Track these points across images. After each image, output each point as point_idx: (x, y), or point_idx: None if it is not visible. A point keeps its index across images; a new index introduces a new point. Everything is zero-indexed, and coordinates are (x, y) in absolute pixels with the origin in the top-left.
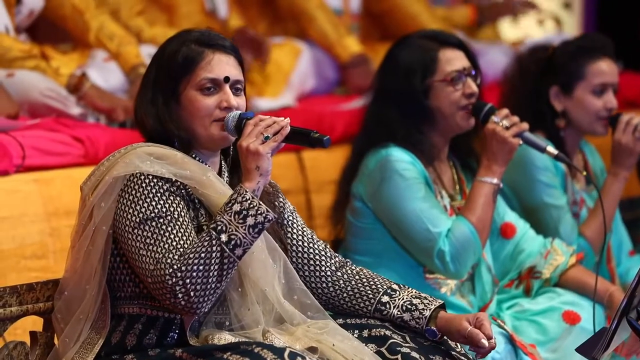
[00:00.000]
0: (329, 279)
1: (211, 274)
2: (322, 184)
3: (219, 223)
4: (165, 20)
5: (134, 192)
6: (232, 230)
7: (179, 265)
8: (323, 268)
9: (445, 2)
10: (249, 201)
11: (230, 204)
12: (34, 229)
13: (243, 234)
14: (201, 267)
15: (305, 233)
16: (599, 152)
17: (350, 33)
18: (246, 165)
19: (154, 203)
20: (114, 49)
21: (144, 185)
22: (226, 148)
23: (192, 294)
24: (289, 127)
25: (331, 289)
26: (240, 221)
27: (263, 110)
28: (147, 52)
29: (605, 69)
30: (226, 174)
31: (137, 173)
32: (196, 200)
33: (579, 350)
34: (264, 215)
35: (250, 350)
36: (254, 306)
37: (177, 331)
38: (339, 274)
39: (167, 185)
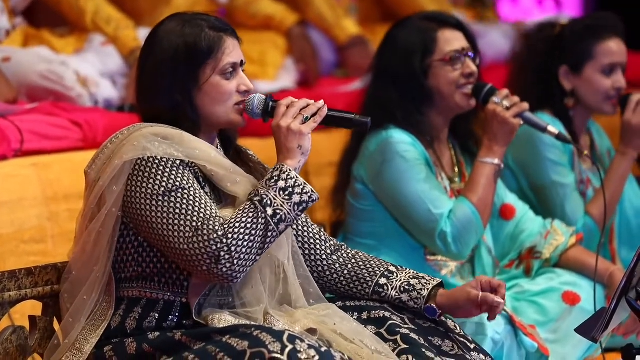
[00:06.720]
0: (325, 263)
1: (254, 245)
2: (321, 166)
3: (263, 196)
4: (165, 4)
5: (148, 170)
6: (277, 205)
7: (224, 231)
8: (318, 252)
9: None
10: (294, 179)
11: (273, 180)
12: (32, 213)
13: (288, 210)
14: (246, 237)
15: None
16: (605, 132)
17: (348, 15)
18: (287, 144)
19: (172, 176)
20: (112, 32)
21: (156, 162)
22: None
23: (235, 262)
24: (327, 109)
25: (327, 273)
26: (286, 197)
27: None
28: (145, 35)
29: (614, 48)
30: (221, 151)
31: (146, 156)
32: (201, 179)
33: (578, 330)
34: (309, 194)
35: (249, 334)
36: (257, 285)
37: (176, 314)
38: (335, 257)
39: (178, 162)
